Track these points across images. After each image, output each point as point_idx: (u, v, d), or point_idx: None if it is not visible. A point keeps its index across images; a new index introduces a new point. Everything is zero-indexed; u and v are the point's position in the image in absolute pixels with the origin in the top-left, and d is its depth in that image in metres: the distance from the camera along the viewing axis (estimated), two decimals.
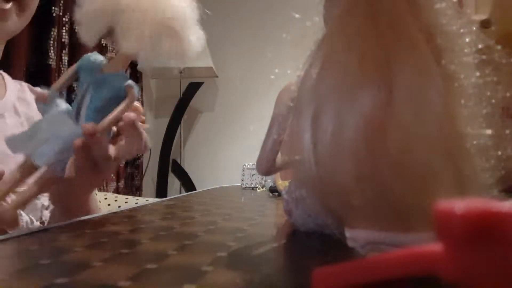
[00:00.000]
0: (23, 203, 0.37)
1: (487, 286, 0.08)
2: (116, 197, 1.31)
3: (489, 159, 0.18)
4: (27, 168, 0.37)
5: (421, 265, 0.10)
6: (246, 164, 0.97)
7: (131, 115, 0.39)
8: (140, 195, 2.24)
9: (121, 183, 2.09)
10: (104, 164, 0.39)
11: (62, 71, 1.57)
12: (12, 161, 0.39)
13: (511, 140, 0.18)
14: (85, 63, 0.39)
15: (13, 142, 0.37)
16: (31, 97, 0.64)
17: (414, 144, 0.16)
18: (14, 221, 0.36)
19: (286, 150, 0.27)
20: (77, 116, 0.38)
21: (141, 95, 2.28)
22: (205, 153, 2.47)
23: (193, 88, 2.34)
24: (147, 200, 1.13)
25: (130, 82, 0.38)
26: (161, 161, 2.27)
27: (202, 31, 0.40)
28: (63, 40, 1.63)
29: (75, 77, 0.40)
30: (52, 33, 1.55)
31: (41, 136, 0.36)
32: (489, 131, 0.17)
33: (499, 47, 0.19)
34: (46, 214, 0.59)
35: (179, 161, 2.38)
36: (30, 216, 0.52)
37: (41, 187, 0.37)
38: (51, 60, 1.54)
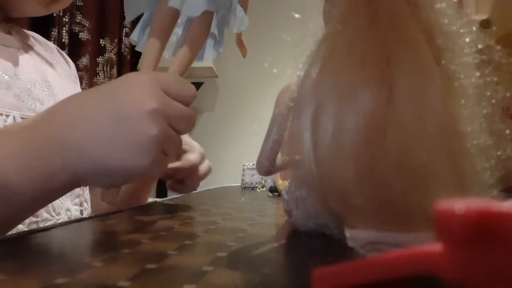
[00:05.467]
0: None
1: (487, 286, 0.08)
2: None
3: (489, 159, 0.18)
4: None
5: (421, 265, 0.10)
6: (246, 164, 0.97)
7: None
8: None
9: None
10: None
11: None
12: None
13: (511, 140, 0.18)
14: None
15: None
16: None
17: (414, 144, 0.16)
18: None
19: (286, 150, 0.27)
20: None
21: None
22: (205, 152, 2.46)
23: None
24: (147, 200, 1.12)
25: None
26: None
27: None
28: (63, 40, 1.63)
29: None
30: (52, 33, 1.55)
31: None
32: (489, 131, 0.17)
33: (499, 47, 0.19)
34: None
35: None
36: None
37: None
38: None
